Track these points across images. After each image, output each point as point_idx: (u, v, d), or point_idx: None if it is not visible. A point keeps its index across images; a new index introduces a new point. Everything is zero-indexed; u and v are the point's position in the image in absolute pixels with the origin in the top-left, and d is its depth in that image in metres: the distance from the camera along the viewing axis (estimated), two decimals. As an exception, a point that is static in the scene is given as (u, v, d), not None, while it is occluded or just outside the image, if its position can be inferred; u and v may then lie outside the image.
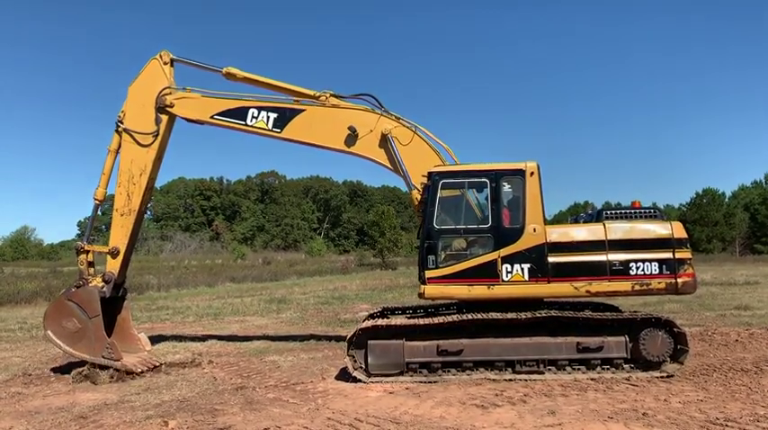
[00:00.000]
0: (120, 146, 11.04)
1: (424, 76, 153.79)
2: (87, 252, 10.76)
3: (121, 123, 11.02)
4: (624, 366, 9.08)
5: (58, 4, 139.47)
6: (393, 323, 9.35)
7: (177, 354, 11.86)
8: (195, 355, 11.62)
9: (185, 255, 67.59)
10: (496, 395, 8.09)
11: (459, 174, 9.81)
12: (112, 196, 11.29)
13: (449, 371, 9.11)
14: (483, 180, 9.61)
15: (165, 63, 11.22)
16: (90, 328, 10.16)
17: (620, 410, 7.22)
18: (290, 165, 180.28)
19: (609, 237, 9.18)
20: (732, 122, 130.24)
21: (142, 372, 10.17)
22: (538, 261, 9.19)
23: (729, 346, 11.22)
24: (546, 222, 9.42)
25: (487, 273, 9.24)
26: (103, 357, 10.08)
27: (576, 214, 12.28)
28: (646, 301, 18.91)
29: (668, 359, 8.98)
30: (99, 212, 11.74)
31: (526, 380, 8.84)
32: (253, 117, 10.89)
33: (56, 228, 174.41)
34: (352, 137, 10.60)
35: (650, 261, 9.13)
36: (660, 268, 9.12)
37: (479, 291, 9.26)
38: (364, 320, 10.18)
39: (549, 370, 9.05)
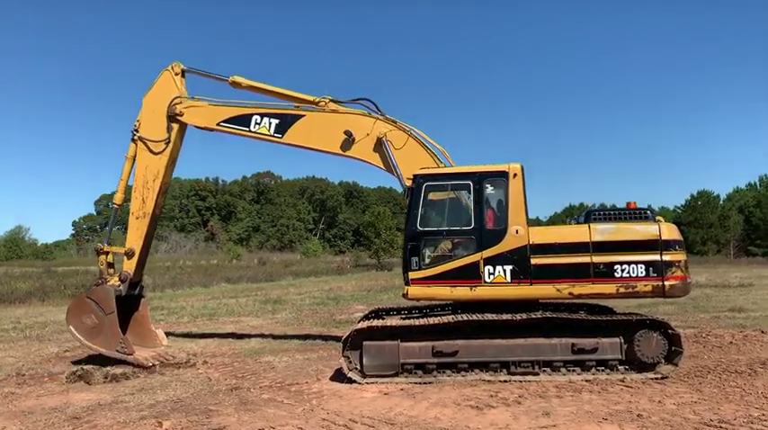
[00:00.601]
0: (135, 153, 11.65)
1: (440, 74, 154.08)
2: (107, 253, 11.29)
3: (137, 132, 11.62)
4: (619, 368, 9.09)
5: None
6: (388, 324, 9.35)
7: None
8: (190, 356, 11.58)
9: (180, 255, 67.45)
10: (491, 396, 8.09)
11: (442, 177, 9.90)
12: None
13: (444, 372, 9.12)
14: (466, 182, 9.65)
15: (177, 74, 11.78)
16: (106, 324, 10.68)
17: (615, 412, 7.23)
18: (286, 165, 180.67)
19: (593, 239, 9.08)
20: (727, 125, 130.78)
21: (153, 366, 10.54)
22: (520, 263, 9.21)
23: (723, 348, 11.25)
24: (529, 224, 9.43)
25: (470, 274, 9.32)
26: (117, 351, 10.57)
27: (571, 216, 12.32)
28: (640, 303, 18.96)
29: (663, 360, 8.99)
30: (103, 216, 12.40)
31: (521, 381, 8.84)
32: (256, 123, 11.26)
33: (50, 227, 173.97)
34: (349, 141, 10.79)
35: (636, 263, 8.98)
36: (647, 270, 8.97)
37: (462, 292, 9.35)
38: (359, 321, 10.19)
39: (544, 371, 9.06)
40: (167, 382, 9.60)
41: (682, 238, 9.34)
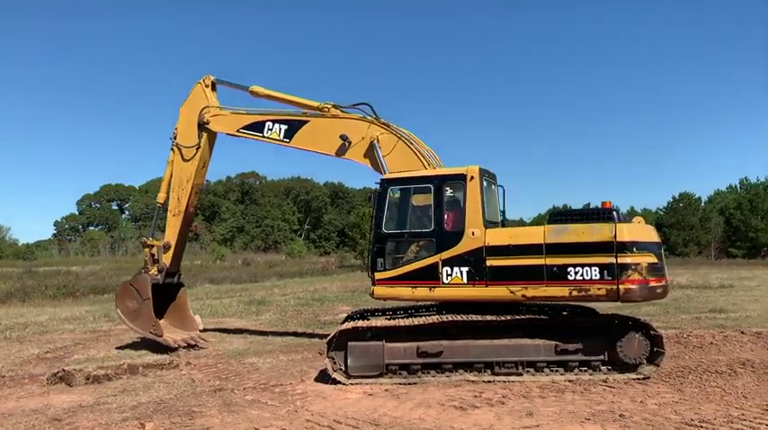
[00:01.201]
0: (173, 158, 12.91)
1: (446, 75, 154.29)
2: (151, 246, 12.71)
3: (174, 139, 12.87)
4: (601, 368, 9.16)
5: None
6: (373, 325, 9.36)
7: (155, 356, 11.73)
8: (173, 357, 11.51)
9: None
10: (475, 396, 8.12)
11: (406, 181, 10.18)
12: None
13: (428, 373, 9.14)
14: (427, 185, 9.91)
15: (207, 86, 12.90)
16: (144, 308, 12.04)
17: (598, 412, 7.29)
18: (271, 165, 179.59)
19: (547, 241, 9.01)
20: (708, 127, 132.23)
21: (178, 348, 12.08)
22: (476, 264, 9.33)
23: (704, 349, 11.39)
24: (488, 226, 9.55)
25: (429, 275, 9.58)
26: (150, 332, 11.99)
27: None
28: (623, 304, 19.10)
29: (645, 361, 9.08)
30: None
31: (505, 381, 8.89)
32: (268, 129, 12.08)
33: (32, 227, 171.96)
34: (345, 145, 11.20)
35: (590, 265, 8.74)
36: (601, 273, 8.69)
37: (422, 292, 9.66)
38: (344, 322, 10.20)
39: (528, 371, 9.11)
40: (150, 383, 9.53)
41: (648, 240, 8.97)
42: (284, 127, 11.90)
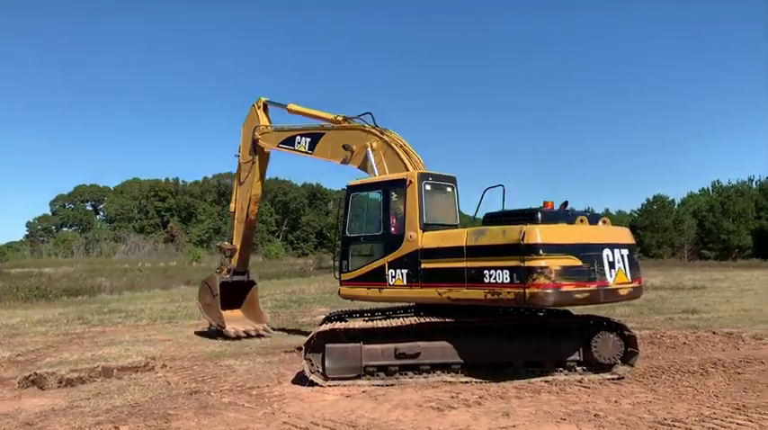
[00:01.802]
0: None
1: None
2: (224, 249, 14.80)
3: (237, 156, 14.65)
4: (577, 368, 9.26)
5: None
6: (351, 326, 9.37)
7: (129, 358, 11.60)
8: (148, 359, 11.40)
9: (139, 257, 66.14)
10: (452, 397, 8.16)
11: (363, 187, 10.81)
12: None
13: (406, 374, 9.17)
14: (378, 191, 10.46)
15: (259, 107, 14.29)
16: (214, 303, 14.02)
17: (573, 412, 7.37)
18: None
19: (467, 244, 9.01)
20: (681, 131, 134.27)
21: (238, 337, 13.76)
22: (413, 267, 9.59)
23: (677, 349, 11.57)
24: (429, 229, 9.73)
25: (378, 277, 10.08)
26: (217, 323, 14.00)
27: None
28: (598, 306, 19.34)
29: (619, 361, 9.20)
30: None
31: (481, 382, 8.95)
32: (297, 142, 13.02)
33: (2, 228, 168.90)
34: (348, 154, 11.76)
35: (501, 268, 8.56)
36: (511, 277, 8.45)
37: (373, 293, 10.23)
38: (321, 324, 10.19)
39: (505, 372, 9.18)
40: (125, 386, 9.43)
41: (565, 242, 8.46)
42: (308, 140, 12.79)
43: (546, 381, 8.94)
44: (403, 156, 10.82)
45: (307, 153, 12.81)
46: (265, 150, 13.99)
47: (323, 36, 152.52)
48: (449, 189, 10.65)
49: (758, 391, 8.19)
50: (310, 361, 9.18)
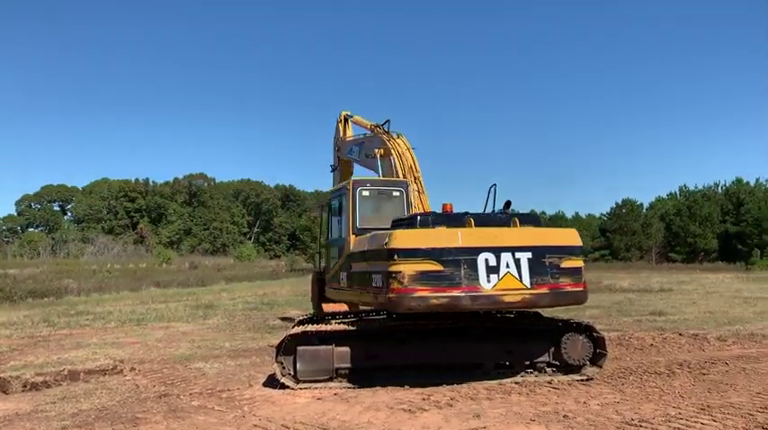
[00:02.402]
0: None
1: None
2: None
3: (332, 168, 15.59)
4: (547, 370, 9.37)
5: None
6: (322, 329, 9.35)
7: (97, 361, 11.42)
8: (116, 362, 11.23)
9: (108, 258, 64.99)
10: (424, 399, 8.19)
11: (332, 194, 11.68)
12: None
13: (377, 376, 9.17)
14: (337, 198, 11.15)
15: (340, 121, 15.17)
16: (314, 295, 13.63)
17: (542, 413, 7.45)
18: (220, 167, 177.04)
19: (365, 248, 9.28)
20: (650, 135, 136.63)
21: None
22: (348, 269, 10.03)
23: (645, 350, 11.76)
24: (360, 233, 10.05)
25: (336, 279, 10.79)
26: (316, 315, 13.04)
27: None
28: (567, 308, 19.58)
29: (588, 363, 9.33)
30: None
31: (453, 384, 8.99)
32: (352, 150, 14.15)
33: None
34: (370, 160, 12.69)
35: (377, 273, 8.69)
36: (380, 281, 8.55)
37: (335, 294, 11.12)
38: (293, 326, 10.15)
39: (476, 374, 9.24)
40: (92, 390, 9.27)
41: (422, 247, 8.21)
42: (357, 148, 13.85)
43: (516, 383, 9.03)
44: (396, 162, 11.48)
45: (357, 161, 13.99)
46: (342, 160, 14.97)
47: (321, 36, 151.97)
48: (395, 194, 10.71)
49: (722, 392, 8.37)
50: (281, 363, 9.13)
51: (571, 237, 8.92)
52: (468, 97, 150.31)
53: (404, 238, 8.30)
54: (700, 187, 76.20)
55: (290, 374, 9.08)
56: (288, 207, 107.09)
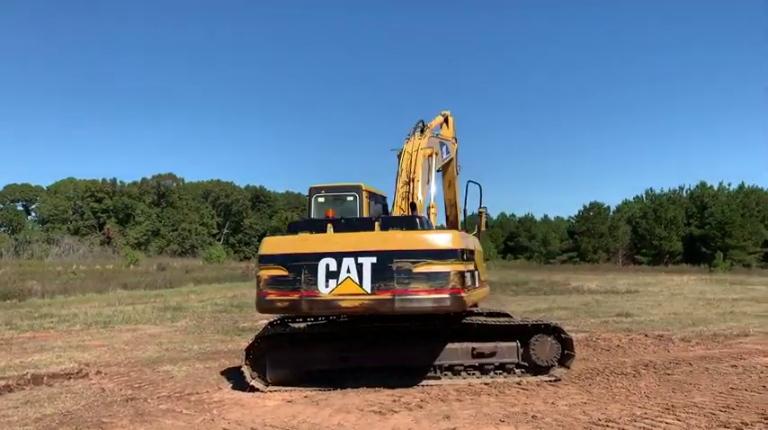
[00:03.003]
0: None
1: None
2: None
3: None
4: (516, 371, 9.46)
5: None
6: (293, 331, 9.30)
7: (62, 365, 11.21)
8: (82, 366, 11.03)
9: (73, 259, 63.74)
10: (394, 401, 8.20)
11: None
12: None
13: (348, 379, 9.16)
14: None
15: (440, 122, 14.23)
16: None
17: (512, 414, 7.52)
18: (190, 167, 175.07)
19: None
20: (616, 139, 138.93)
21: None
22: None
23: (611, 351, 11.95)
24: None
25: None
26: None
27: None
28: (536, 308, 19.85)
29: (556, 364, 9.45)
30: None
31: (423, 385, 9.03)
32: None
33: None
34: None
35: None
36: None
37: None
38: (263, 328, 10.09)
39: (446, 375, 9.29)
40: (56, 394, 9.08)
41: (277, 253, 8.61)
42: None
43: (486, 384, 9.10)
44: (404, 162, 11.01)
45: None
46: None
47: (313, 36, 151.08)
48: (349, 198, 10.69)
49: (686, 391, 8.55)
50: (251, 366, 9.06)
51: (439, 241, 8.46)
52: (443, 98, 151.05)
53: (267, 245, 8.82)
54: (665, 191, 77.79)
55: (259, 377, 9.02)
56: (258, 208, 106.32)
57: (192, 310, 21.67)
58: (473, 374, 9.36)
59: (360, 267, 8.24)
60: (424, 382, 9.10)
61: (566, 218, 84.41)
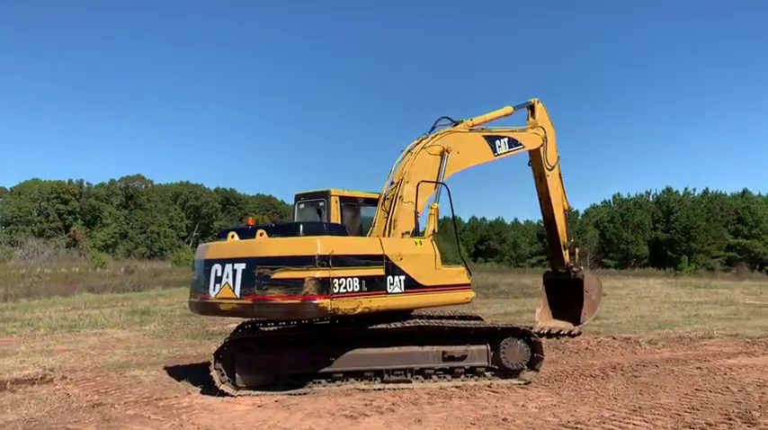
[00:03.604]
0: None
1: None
2: (566, 248, 13.95)
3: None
4: (486, 374, 9.53)
5: None
6: (262, 335, 9.24)
7: (25, 370, 10.96)
8: (46, 371, 10.80)
9: (38, 262, 62.37)
10: (366, 405, 8.20)
11: None
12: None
13: (319, 383, 9.12)
14: None
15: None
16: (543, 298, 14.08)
17: (482, 416, 7.57)
18: (159, 169, 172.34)
19: None
20: (584, 144, 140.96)
21: (541, 333, 12.46)
22: None
23: (580, 354, 12.11)
24: None
25: None
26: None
27: None
28: (507, 311, 20.02)
29: (526, 367, 9.54)
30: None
31: (394, 389, 9.04)
32: None
33: None
34: None
35: None
36: None
37: None
38: (233, 332, 10.01)
39: (417, 379, 9.32)
40: (19, 400, 8.88)
41: (196, 258, 9.87)
42: None
43: (457, 387, 9.15)
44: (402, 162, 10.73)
45: None
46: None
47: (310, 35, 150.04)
48: (321, 203, 10.65)
49: (653, 393, 8.71)
50: (221, 370, 8.97)
51: (297, 248, 8.47)
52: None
53: (197, 251, 9.92)
54: (632, 195, 79.07)
55: (229, 381, 8.93)
56: (228, 210, 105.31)
57: (160, 314, 21.36)
58: (444, 377, 9.41)
59: (234, 273, 8.68)
60: (395, 386, 9.11)
61: (535, 221, 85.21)
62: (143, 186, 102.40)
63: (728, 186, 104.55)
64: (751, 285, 35.37)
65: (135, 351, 13.17)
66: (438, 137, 10.90)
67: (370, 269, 8.73)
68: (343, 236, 8.99)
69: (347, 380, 9.18)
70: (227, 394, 8.78)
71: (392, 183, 10.28)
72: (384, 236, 9.75)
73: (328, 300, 8.19)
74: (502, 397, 8.63)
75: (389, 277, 8.92)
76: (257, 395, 8.83)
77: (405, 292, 9.12)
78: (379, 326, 9.17)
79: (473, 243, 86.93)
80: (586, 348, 12.65)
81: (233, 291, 8.61)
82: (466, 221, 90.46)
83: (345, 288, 8.41)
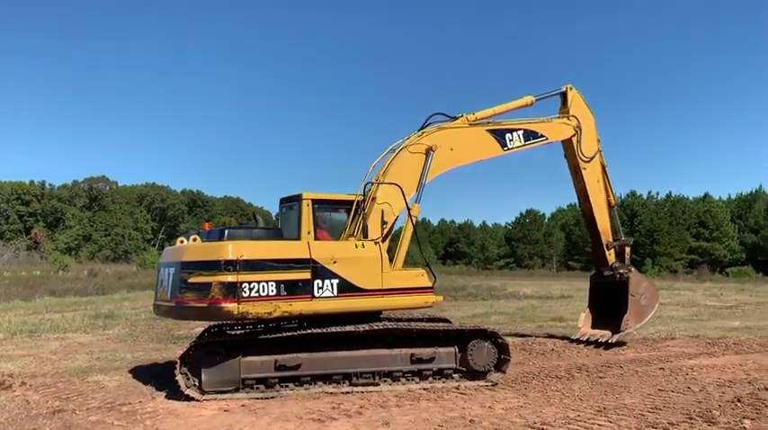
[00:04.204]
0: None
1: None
2: (610, 248, 13.32)
3: None
4: (454, 376, 9.57)
5: None
6: (228, 338, 9.14)
7: (-18, 377, 10.64)
8: (5, 377, 10.50)
9: (-3, 265, 60.93)
10: (333, 408, 8.16)
11: None
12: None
13: (286, 386, 9.05)
14: None
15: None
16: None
17: (450, 418, 7.60)
18: (124, 170, 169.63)
19: None
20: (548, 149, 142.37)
21: (578, 340, 13.22)
22: None
23: (546, 355, 12.25)
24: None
25: None
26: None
27: None
28: (474, 313, 20.16)
29: (493, 368, 9.61)
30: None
31: (363, 392, 9.02)
32: None
33: None
34: None
35: None
36: None
37: None
38: (199, 336, 9.89)
39: (385, 381, 9.32)
40: (-24, 408, 8.61)
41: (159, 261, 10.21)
42: None
43: (425, 389, 9.18)
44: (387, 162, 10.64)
45: None
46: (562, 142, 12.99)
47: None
48: (294, 207, 10.55)
49: (617, 394, 8.85)
50: (186, 374, 8.83)
51: (208, 252, 8.87)
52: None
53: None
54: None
55: (194, 385, 8.80)
56: (195, 213, 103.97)
57: (124, 318, 20.97)
58: (412, 380, 9.42)
59: (168, 277, 9.20)
60: (363, 389, 9.09)
61: (503, 224, 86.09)
62: (107, 188, 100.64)
63: (690, 190, 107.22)
64: (712, 287, 36.30)
65: (98, 355, 12.90)
66: (425, 134, 10.69)
67: (291, 273, 8.81)
68: (270, 240, 9.37)
69: (315, 384, 9.13)
70: (192, 398, 8.64)
71: (370, 183, 10.17)
72: (354, 238, 9.75)
73: (235, 304, 8.41)
74: (469, 398, 8.68)
75: (317, 281, 8.95)
76: (223, 399, 8.72)
77: (338, 296, 9.09)
78: (347, 329, 9.15)
79: (442, 245, 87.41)
80: (552, 349, 12.80)
81: (167, 293, 9.17)
82: (435, 224, 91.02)
83: (258, 292, 8.56)
